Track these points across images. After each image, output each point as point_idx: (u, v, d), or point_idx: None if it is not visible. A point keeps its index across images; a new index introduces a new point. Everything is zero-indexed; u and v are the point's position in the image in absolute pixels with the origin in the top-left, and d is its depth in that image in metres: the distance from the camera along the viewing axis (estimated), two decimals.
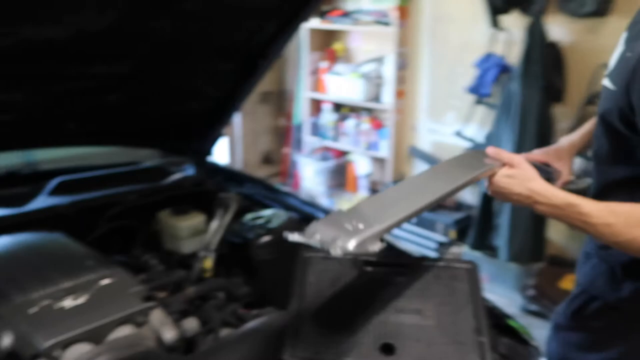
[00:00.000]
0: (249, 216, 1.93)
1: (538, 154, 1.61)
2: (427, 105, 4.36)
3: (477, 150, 1.51)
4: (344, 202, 4.48)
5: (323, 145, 4.89)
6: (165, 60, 1.81)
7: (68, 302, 1.21)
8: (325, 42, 4.89)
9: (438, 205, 3.99)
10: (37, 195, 1.85)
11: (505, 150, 1.40)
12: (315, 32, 4.78)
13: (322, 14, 4.64)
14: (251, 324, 1.31)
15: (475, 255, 3.47)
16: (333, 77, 4.67)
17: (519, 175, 1.32)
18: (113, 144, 2.15)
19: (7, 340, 1.14)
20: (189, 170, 2.35)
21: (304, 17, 1.88)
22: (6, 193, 1.87)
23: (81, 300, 1.22)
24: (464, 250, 3.51)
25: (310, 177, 4.80)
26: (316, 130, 4.93)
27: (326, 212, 2.04)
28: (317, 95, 4.88)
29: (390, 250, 1.69)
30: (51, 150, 2.15)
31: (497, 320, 1.42)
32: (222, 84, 2.12)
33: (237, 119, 4.98)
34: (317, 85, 4.90)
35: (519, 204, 1.34)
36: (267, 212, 1.94)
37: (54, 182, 1.91)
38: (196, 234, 1.90)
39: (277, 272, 1.65)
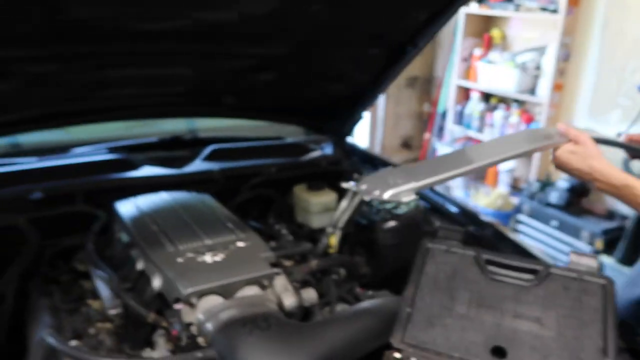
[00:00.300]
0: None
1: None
2: (588, 101, 3.99)
3: (551, 128, 1.53)
4: (481, 196, 4.31)
5: (466, 135, 4.73)
6: (318, 44, 1.91)
7: (208, 258, 1.37)
8: (483, 28, 4.68)
9: (584, 211, 3.68)
10: (193, 160, 2.08)
11: (574, 128, 1.47)
12: (472, 17, 4.61)
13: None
14: (365, 304, 1.37)
15: (625, 272, 3.16)
16: (486, 65, 4.47)
17: (582, 152, 1.41)
18: (263, 119, 2.32)
19: (158, 283, 1.33)
20: (328, 149, 2.46)
21: (457, 8, 1.84)
22: (170, 155, 2.14)
23: (218, 257, 1.37)
24: (602, 263, 3.20)
25: None
26: (460, 119, 4.79)
27: (456, 203, 2.01)
28: (467, 83, 4.72)
29: (519, 253, 1.63)
30: (209, 120, 2.39)
31: (634, 346, 1.31)
32: (369, 69, 2.17)
33: (381, 102, 5.02)
34: (467, 73, 4.74)
35: (579, 179, 1.42)
36: None
37: (208, 149, 2.14)
38: (326, 210, 1.99)
39: (399, 257, 1.68)
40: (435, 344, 1.19)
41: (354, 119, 2.40)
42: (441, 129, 5.00)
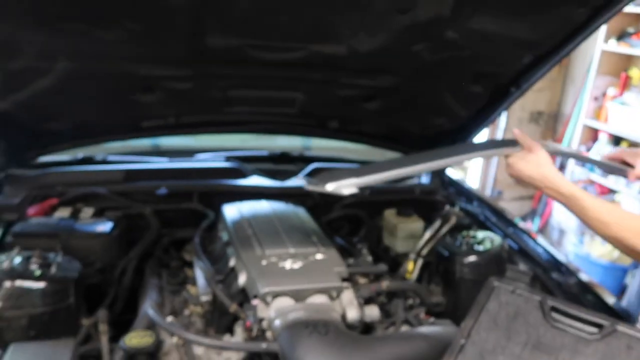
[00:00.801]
0: (464, 233, 2.02)
1: (625, 152, 1.73)
2: None
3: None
4: (596, 245, 4.04)
5: (588, 178, 4.47)
6: (421, 78, 2.02)
7: (287, 264, 1.54)
8: (620, 66, 4.41)
9: None
10: (295, 175, 2.29)
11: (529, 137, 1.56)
12: (609, 54, 4.36)
13: (622, 36, 4.20)
14: (423, 329, 1.45)
15: None
16: (619, 107, 4.20)
17: (534, 160, 1.48)
18: (364, 143, 2.47)
19: (243, 280, 1.53)
20: (425, 178, 2.54)
21: (563, 54, 1.85)
22: (276, 168, 2.37)
23: (296, 265, 1.54)
24: None
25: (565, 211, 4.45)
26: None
27: (544, 248, 1.99)
28: (596, 124, 4.46)
29: (600, 308, 1.59)
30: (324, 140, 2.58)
31: None
32: (471, 105, 2.23)
33: (499, 134, 4.91)
34: (598, 113, 4.47)
35: (531, 187, 1.49)
36: (482, 234, 2.00)
37: (310, 167, 2.34)
38: (411, 236, 2.08)
39: (475, 292, 1.72)
40: None
41: None
42: (562, 168, 4.77)
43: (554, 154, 1.59)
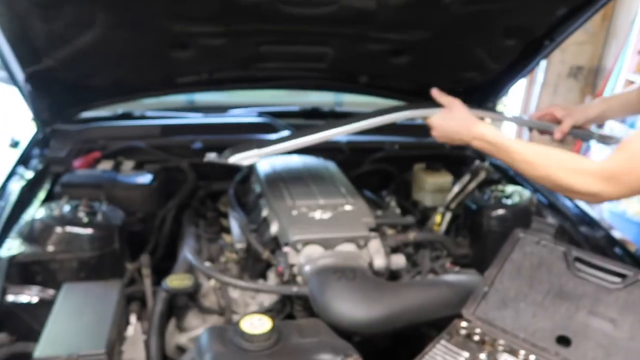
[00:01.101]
0: (492, 187, 2.04)
1: (555, 107, 1.77)
2: None
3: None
4: (633, 204, 3.97)
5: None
6: (453, 32, 2.00)
7: (317, 214, 1.61)
8: None
9: None
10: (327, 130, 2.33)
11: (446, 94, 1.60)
12: None
13: None
14: (448, 276, 1.50)
15: None
16: None
17: (456, 115, 1.52)
18: (394, 99, 2.48)
19: (275, 228, 1.61)
20: None
21: (600, 5, 1.80)
22: (307, 123, 2.41)
23: (326, 215, 1.60)
24: None
25: None
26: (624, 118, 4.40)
27: (579, 209, 1.99)
28: (638, 78, 4.31)
29: (629, 261, 1.61)
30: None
31: None
32: (503, 59, 2.21)
33: (536, 90, 4.80)
34: None
35: (459, 141, 1.51)
36: (511, 188, 2.02)
37: None
38: (440, 190, 2.11)
39: (501, 245, 1.75)
40: (504, 323, 1.29)
41: (486, 106, 2.44)
42: (600, 126, 4.65)
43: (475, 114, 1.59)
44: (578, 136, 1.81)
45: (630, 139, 1.28)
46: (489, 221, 1.87)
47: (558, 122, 1.77)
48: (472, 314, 1.32)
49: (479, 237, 1.90)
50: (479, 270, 1.78)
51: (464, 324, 1.28)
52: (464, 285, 1.44)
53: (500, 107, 2.89)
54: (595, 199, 1.32)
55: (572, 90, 4.97)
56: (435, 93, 1.64)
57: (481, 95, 2.40)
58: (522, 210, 1.89)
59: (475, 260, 1.88)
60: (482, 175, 2.07)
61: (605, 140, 1.78)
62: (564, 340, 1.23)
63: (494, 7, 1.84)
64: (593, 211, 1.94)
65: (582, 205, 1.96)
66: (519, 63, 2.20)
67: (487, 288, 1.36)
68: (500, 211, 1.88)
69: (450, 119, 1.54)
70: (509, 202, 1.92)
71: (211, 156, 1.64)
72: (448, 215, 2.00)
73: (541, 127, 1.80)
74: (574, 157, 1.35)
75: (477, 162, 2.20)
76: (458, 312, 1.30)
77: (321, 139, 1.64)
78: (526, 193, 1.97)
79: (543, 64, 3.83)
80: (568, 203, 2.02)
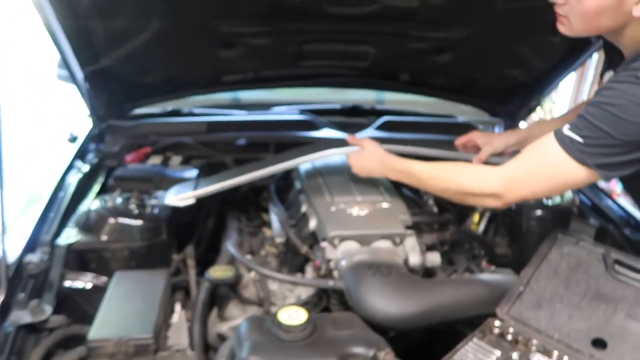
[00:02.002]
0: None
1: (476, 134, 1.83)
2: None
3: None
4: None
5: None
6: (495, 29, 2.00)
7: (355, 211, 1.64)
8: None
9: None
10: (367, 128, 2.36)
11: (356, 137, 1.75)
12: None
13: None
14: (483, 275, 1.51)
15: None
16: None
17: (368, 153, 1.63)
18: (436, 96, 2.48)
19: (313, 224, 1.66)
20: (499, 131, 2.51)
21: None
22: (348, 121, 2.45)
23: (363, 212, 1.64)
24: None
25: None
26: None
27: (619, 205, 1.95)
28: None
29: None
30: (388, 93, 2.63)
31: None
32: (548, 56, 2.17)
33: (585, 88, 4.65)
34: None
35: (378, 174, 1.63)
36: None
37: (381, 120, 2.39)
38: None
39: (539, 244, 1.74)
40: (538, 323, 1.29)
41: (530, 105, 2.41)
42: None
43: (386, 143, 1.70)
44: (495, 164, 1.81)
45: (532, 147, 1.31)
46: (528, 221, 1.85)
47: (479, 149, 1.79)
48: (506, 313, 1.32)
49: (518, 237, 1.89)
50: (517, 271, 1.77)
51: (497, 322, 1.28)
52: (499, 284, 1.44)
53: (548, 103, 2.84)
54: (497, 201, 1.33)
55: None
56: (349, 139, 1.75)
57: (526, 92, 2.38)
58: (562, 210, 1.87)
59: (513, 261, 1.87)
60: None
61: None
62: (599, 343, 1.21)
63: (540, 3, 1.81)
64: (637, 213, 1.89)
65: (627, 206, 1.92)
66: (566, 60, 2.16)
67: (522, 288, 1.36)
68: (540, 211, 1.86)
69: (364, 156, 1.65)
70: (549, 202, 1.90)
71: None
72: (487, 214, 1.99)
73: (458, 157, 1.82)
74: (474, 165, 1.53)
75: None
76: (492, 310, 1.31)
77: (247, 180, 1.75)
78: (568, 194, 1.94)
79: (594, 59, 3.70)
80: (611, 204, 1.98)
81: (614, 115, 1.16)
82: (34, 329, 1.32)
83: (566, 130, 1.23)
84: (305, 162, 1.84)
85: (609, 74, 1.40)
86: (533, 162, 1.30)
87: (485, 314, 1.32)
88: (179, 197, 1.71)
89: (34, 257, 1.47)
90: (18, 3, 1.64)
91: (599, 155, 1.20)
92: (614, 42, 1.33)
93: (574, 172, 1.23)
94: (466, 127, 2.52)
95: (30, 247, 1.53)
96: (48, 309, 1.34)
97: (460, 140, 1.87)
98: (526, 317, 1.31)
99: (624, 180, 1.51)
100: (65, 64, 1.90)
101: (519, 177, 1.30)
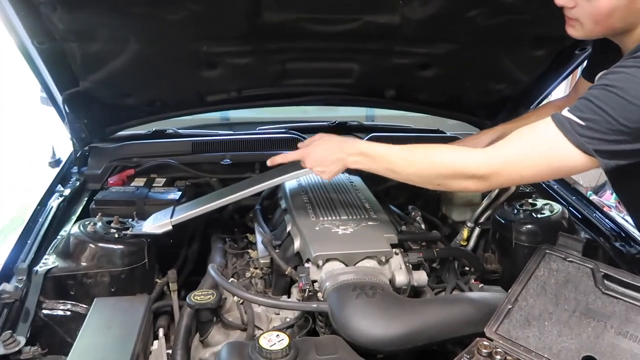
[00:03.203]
0: (523, 201, 1.99)
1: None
2: None
3: None
4: None
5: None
6: (478, 44, 1.99)
7: (340, 230, 1.61)
8: None
9: None
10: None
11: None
12: None
13: None
14: (470, 294, 1.47)
15: None
16: None
17: (323, 139, 1.51)
18: (422, 112, 2.47)
19: (298, 244, 1.62)
20: None
21: None
22: None
23: (348, 231, 1.60)
24: None
25: None
26: None
27: (610, 217, 1.93)
28: None
29: None
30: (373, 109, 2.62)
31: None
32: (533, 70, 2.17)
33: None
34: None
35: (335, 163, 1.47)
36: (542, 202, 1.97)
37: (368, 136, 2.37)
38: (469, 205, 2.08)
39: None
40: (527, 342, 1.26)
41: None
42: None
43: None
44: None
45: (525, 129, 1.26)
46: (517, 235, 1.82)
47: None
48: (494, 332, 1.29)
49: (508, 252, 1.86)
50: (508, 287, 1.74)
51: (485, 342, 1.25)
52: (487, 302, 1.41)
53: None
54: (480, 183, 1.28)
55: None
56: (300, 144, 1.63)
57: (512, 106, 2.37)
58: (552, 224, 1.84)
59: (504, 277, 1.84)
60: (512, 189, 2.03)
61: None
62: None
63: (521, 18, 1.82)
64: (629, 226, 1.87)
65: (618, 219, 1.90)
66: (550, 73, 2.16)
67: (510, 306, 1.33)
68: (530, 225, 1.83)
69: (319, 145, 1.52)
70: (539, 216, 1.87)
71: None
72: (476, 231, 1.96)
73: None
74: (454, 146, 1.49)
75: None
76: (481, 330, 1.28)
77: (224, 203, 1.74)
78: (558, 207, 1.92)
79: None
80: (602, 217, 1.96)
81: (620, 98, 1.11)
82: None
83: (565, 112, 1.17)
84: (286, 181, 1.81)
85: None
86: (525, 145, 1.23)
87: (474, 333, 1.30)
88: (156, 224, 1.68)
89: (8, 286, 1.43)
90: None
91: (599, 140, 1.14)
92: (618, 42, 1.31)
93: (570, 157, 1.17)
94: (454, 142, 2.51)
95: (5, 275, 1.50)
96: (21, 340, 1.30)
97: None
98: (515, 336, 1.28)
99: (617, 183, 1.48)
100: (43, 87, 1.88)
101: (508, 159, 1.24)
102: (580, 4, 1.23)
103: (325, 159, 1.50)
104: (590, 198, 2.15)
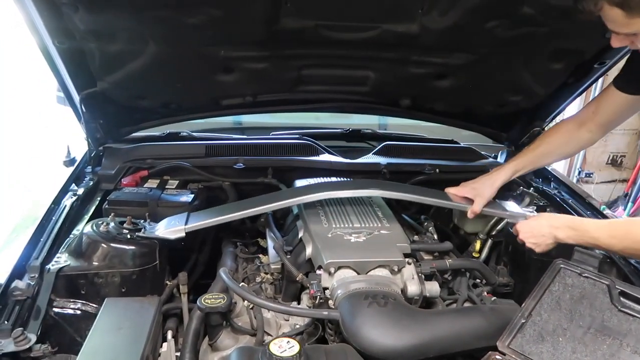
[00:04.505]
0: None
1: (465, 190, 1.83)
2: None
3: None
4: None
5: None
6: (496, 56, 1.98)
7: (352, 238, 1.60)
8: None
9: None
10: (367, 153, 2.34)
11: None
12: None
13: None
14: (483, 306, 1.45)
15: None
16: None
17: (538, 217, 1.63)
18: (437, 122, 2.46)
19: (309, 251, 1.62)
20: (502, 158, 2.48)
21: None
22: (348, 146, 2.43)
23: (361, 239, 1.60)
24: None
25: None
26: None
27: None
28: None
29: None
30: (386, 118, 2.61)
31: None
32: (550, 83, 2.16)
33: None
34: None
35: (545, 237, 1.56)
36: None
37: (381, 145, 2.37)
38: (482, 216, 2.05)
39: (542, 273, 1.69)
40: (540, 358, 1.25)
41: (533, 131, 2.38)
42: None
43: None
44: (490, 214, 1.86)
45: None
46: (530, 249, 1.80)
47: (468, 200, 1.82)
48: (506, 346, 1.28)
49: (520, 265, 1.84)
50: (520, 301, 1.72)
51: (498, 357, 1.24)
52: (500, 315, 1.39)
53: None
54: None
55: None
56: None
57: (528, 119, 2.35)
58: None
59: (516, 290, 1.82)
60: (526, 201, 2.01)
61: (515, 218, 1.79)
62: None
63: (540, 31, 1.81)
64: None
65: None
66: (568, 87, 2.14)
67: (524, 320, 1.32)
68: None
69: (533, 219, 1.64)
70: None
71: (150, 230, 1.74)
72: (489, 242, 1.94)
73: (456, 207, 1.86)
74: None
75: (521, 188, 2.14)
76: (493, 343, 1.27)
77: (243, 215, 1.75)
78: None
79: (599, 85, 3.70)
80: None
81: None
82: (16, 358, 1.27)
83: None
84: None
85: None
86: None
87: (486, 347, 1.28)
88: (170, 230, 1.68)
89: (20, 283, 1.43)
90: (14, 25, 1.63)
91: None
92: None
93: None
94: (468, 152, 2.50)
95: (18, 272, 1.50)
96: (32, 337, 1.30)
97: (453, 189, 1.87)
98: (528, 350, 1.27)
99: None
100: (61, 87, 1.90)
101: None
102: (635, 42, 1.32)
103: (536, 232, 1.60)
104: (604, 212, 2.12)
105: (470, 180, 1.87)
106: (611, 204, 4.83)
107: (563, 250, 1.66)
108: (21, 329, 1.30)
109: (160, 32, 1.78)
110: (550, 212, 1.71)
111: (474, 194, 1.79)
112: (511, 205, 1.86)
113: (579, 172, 4.86)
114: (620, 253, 1.48)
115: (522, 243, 1.64)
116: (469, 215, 1.79)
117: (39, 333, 1.37)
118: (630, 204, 4.69)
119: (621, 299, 1.31)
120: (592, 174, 4.87)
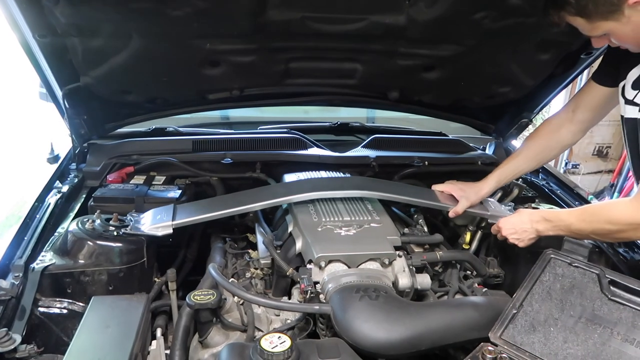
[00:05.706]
0: (526, 205, 1.98)
1: (452, 188, 1.87)
2: None
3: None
4: None
5: None
6: (485, 47, 1.97)
7: (342, 231, 1.59)
8: None
9: None
10: (356, 146, 2.32)
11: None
12: None
13: None
14: (473, 298, 1.45)
15: None
16: None
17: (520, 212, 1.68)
18: (425, 114, 2.45)
19: (299, 245, 1.60)
20: (490, 149, 2.49)
21: None
22: (336, 139, 2.42)
23: (351, 232, 1.59)
24: None
25: None
26: None
27: None
28: None
29: None
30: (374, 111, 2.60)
31: None
32: (538, 73, 2.16)
33: None
34: None
35: (526, 232, 1.61)
36: (545, 206, 1.95)
37: (370, 138, 2.36)
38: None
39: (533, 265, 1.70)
40: (532, 348, 1.25)
41: (521, 122, 2.39)
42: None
43: None
44: (472, 214, 1.88)
45: None
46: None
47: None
48: (498, 337, 1.28)
49: (510, 256, 1.84)
50: (511, 292, 1.72)
51: (490, 347, 1.24)
52: (491, 307, 1.39)
53: (539, 120, 2.83)
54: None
55: None
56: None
57: (516, 110, 2.35)
58: None
59: (506, 281, 1.82)
60: (515, 193, 2.01)
61: (495, 217, 1.80)
62: None
63: (527, 22, 1.80)
64: None
65: None
66: (555, 77, 2.14)
67: (515, 310, 1.32)
68: None
69: (514, 216, 1.69)
70: None
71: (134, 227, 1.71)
72: (478, 234, 1.94)
73: (437, 207, 1.87)
74: (612, 202, 1.59)
75: None
76: (485, 335, 1.27)
77: (233, 212, 1.74)
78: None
79: (584, 77, 3.73)
80: None
81: None
82: (1, 359, 1.25)
83: None
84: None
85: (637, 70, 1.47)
86: None
87: (478, 338, 1.28)
88: (157, 225, 1.65)
89: (4, 283, 1.40)
90: None
91: None
92: None
93: None
94: (457, 145, 2.50)
95: (2, 272, 1.47)
96: (17, 338, 1.28)
97: (439, 186, 1.90)
98: (520, 341, 1.27)
99: None
100: (44, 82, 1.86)
101: None
102: (612, 40, 1.39)
103: (517, 226, 1.64)
104: (592, 202, 2.14)
105: (459, 182, 1.89)
106: (598, 195, 4.88)
107: (552, 241, 1.67)
108: (5, 329, 1.27)
109: (144, 25, 1.74)
110: (530, 207, 1.75)
111: (460, 195, 1.82)
112: (493, 204, 1.86)
113: (566, 164, 4.90)
114: (592, 237, 1.53)
115: (504, 239, 1.65)
116: (450, 214, 1.82)
117: (24, 333, 1.34)
118: (616, 194, 4.74)
119: (611, 287, 1.32)
120: (578, 165, 4.91)
